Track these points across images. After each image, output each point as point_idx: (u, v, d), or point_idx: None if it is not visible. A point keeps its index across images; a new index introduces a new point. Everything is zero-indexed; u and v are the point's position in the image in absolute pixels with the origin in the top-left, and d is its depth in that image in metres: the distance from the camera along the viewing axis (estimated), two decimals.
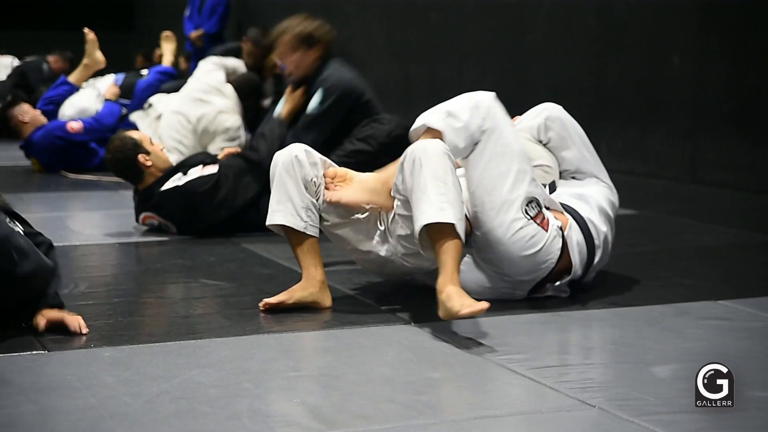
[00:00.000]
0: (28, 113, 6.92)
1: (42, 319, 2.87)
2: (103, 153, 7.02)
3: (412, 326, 2.98)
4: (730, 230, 4.75)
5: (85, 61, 7.20)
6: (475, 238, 3.19)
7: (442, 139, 3.07)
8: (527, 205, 3.12)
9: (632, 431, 2.19)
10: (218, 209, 4.53)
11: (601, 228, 3.33)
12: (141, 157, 4.51)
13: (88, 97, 7.22)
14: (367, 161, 4.40)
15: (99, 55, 7.13)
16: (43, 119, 6.97)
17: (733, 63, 6.00)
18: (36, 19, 15.29)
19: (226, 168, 4.59)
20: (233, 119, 6.61)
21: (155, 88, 7.30)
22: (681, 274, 3.68)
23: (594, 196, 3.43)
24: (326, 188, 3.15)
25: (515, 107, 8.73)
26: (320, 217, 3.21)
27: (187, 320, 3.10)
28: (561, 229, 3.21)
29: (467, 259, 3.20)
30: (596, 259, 3.30)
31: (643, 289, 3.42)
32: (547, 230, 3.15)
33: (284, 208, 3.16)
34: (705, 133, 6.19)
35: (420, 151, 2.98)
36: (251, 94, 6.99)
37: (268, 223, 3.20)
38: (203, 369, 2.57)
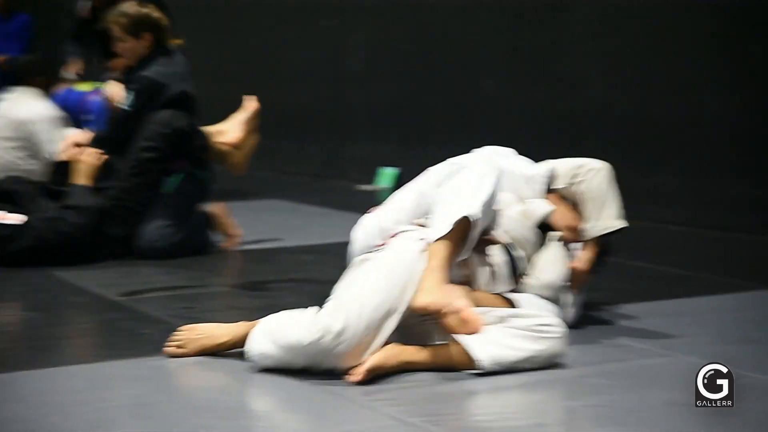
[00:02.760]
0: None
1: None
2: None
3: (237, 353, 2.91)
4: None
5: None
6: None
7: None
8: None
9: None
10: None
11: None
12: None
13: None
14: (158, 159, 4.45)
15: None
16: None
17: (545, 86, 6.18)
18: None
19: (30, 229, 4.22)
20: None
21: None
22: None
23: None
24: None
25: (336, 131, 8.69)
26: None
27: None
28: None
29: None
30: None
31: None
32: None
33: (268, 358, 2.66)
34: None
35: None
36: (41, 73, 6.75)
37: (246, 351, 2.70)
38: (8, 404, 2.46)
